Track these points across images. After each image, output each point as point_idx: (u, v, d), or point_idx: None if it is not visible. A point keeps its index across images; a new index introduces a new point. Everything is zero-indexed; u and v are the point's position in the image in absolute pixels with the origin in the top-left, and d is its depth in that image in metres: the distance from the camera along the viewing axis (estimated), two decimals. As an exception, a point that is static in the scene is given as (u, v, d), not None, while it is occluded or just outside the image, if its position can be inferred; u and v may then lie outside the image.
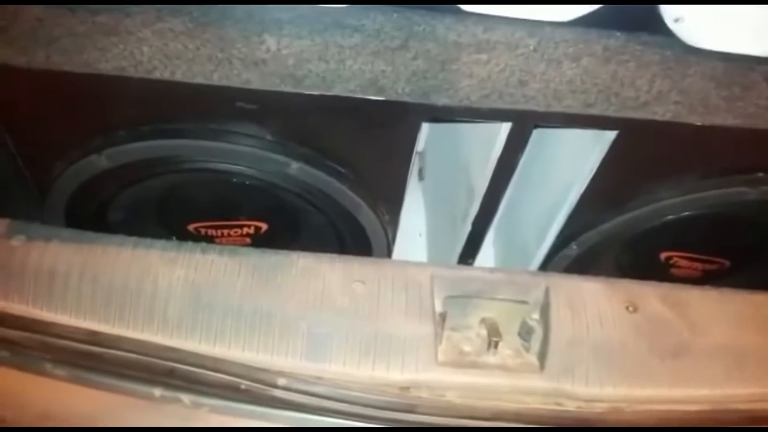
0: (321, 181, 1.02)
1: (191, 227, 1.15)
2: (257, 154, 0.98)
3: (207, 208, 1.13)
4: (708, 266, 1.26)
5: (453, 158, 1.29)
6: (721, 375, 1.00)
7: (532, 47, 0.98)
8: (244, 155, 0.99)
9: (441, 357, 0.96)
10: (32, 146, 1.00)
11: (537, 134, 1.01)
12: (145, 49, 0.91)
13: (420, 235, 1.57)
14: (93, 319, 0.94)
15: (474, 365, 0.97)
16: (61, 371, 0.95)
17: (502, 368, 0.97)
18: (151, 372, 0.93)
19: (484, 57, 0.96)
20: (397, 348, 0.95)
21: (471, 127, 1.11)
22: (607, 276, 1.07)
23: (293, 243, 1.14)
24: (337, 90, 0.91)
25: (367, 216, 1.08)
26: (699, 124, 0.95)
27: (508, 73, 0.95)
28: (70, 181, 1.01)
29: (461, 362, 0.97)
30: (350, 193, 1.04)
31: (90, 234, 1.01)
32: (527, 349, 0.99)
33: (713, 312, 1.04)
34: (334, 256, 1.04)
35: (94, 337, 0.93)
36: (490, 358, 0.98)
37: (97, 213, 1.09)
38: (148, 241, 1.00)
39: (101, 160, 0.98)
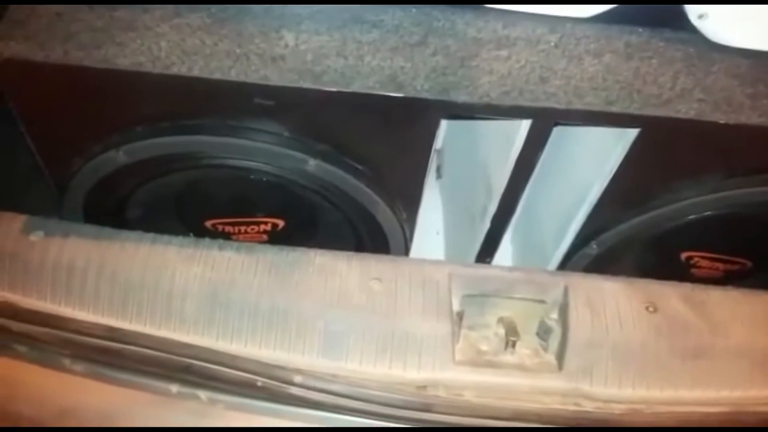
0: (338, 179, 1.01)
1: (208, 224, 1.15)
2: (275, 150, 0.98)
3: (224, 204, 1.13)
4: (729, 267, 1.25)
5: (471, 156, 1.28)
6: (743, 377, 0.98)
7: (553, 43, 0.97)
8: (261, 152, 0.98)
9: (458, 356, 0.95)
10: (50, 142, 1.00)
11: (557, 132, 1.00)
12: (163, 44, 0.91)
13: (437, 233, 1.56)
14: (111, 315, 0.94)
15: (491, 365, 0.96)
16: (78, 366, 0.96)
17: (520, 368, 0.97)
18: (168, 368, 0.94)
19: (504, 53, 0.95)
20: (414, 346, 0.95)
21: (490, 125, 1.10)
22: (626, 276, 1.06)
23: (310, 240, 1.13)
24: (356, 86, 0.90)
25: (384, 213, 1.07)
26: (723, 122, 0.94)
27: (528, 70, 0.94)
28: (88, 177, 1.01)
29: (479, 361, 0.96)
30: (368, 191, 1.03)
31: (108, 230, 1.01)
32: (545, 349, 0.98)
33: (734, 313, 1.03)
34: (351, 253, 1.04)
35: (111, 333, 0.94)
36: (508, 358, 0.97)
37: (114, 209, 1.10)
38: (166, 237, 1.00)
39: (119, 156, 0.98)
